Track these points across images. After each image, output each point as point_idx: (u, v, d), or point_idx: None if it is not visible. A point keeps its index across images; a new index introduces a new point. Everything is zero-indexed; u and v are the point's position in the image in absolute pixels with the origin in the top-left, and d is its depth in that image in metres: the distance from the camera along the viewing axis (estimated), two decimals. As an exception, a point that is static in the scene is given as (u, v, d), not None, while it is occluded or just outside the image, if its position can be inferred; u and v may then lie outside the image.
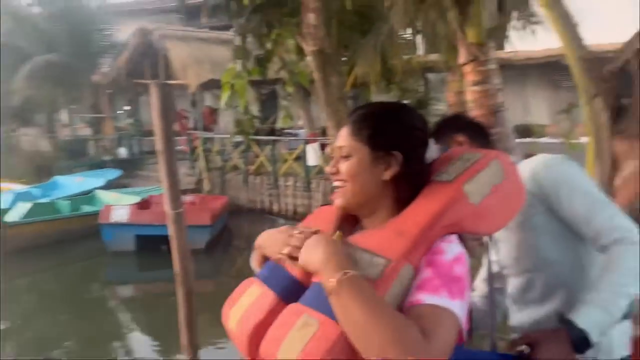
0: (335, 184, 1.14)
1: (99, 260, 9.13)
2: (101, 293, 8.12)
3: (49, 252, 9.05)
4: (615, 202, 1.96)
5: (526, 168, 1.44)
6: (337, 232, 1.13)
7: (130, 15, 20.78)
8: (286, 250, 1.11)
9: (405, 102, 11.36)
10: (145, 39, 13.24)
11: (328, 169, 1.17)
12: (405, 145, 1.10)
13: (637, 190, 1.81)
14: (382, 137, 1.10)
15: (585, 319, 1.20)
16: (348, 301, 0.91)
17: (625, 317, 1.26)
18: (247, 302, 1.15)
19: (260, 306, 1.11)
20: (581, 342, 1.18)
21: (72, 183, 11.93)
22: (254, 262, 1.28)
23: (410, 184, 1.10)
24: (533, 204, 1.40)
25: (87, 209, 9.92)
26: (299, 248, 1.08)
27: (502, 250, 1.54)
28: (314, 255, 1.01)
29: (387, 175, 1.10)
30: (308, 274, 1.09)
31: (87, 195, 10.68)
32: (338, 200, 1.14)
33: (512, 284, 1.55)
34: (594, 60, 1.92)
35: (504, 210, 1.11)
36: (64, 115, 21.99)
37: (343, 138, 1.14)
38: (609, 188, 1.96)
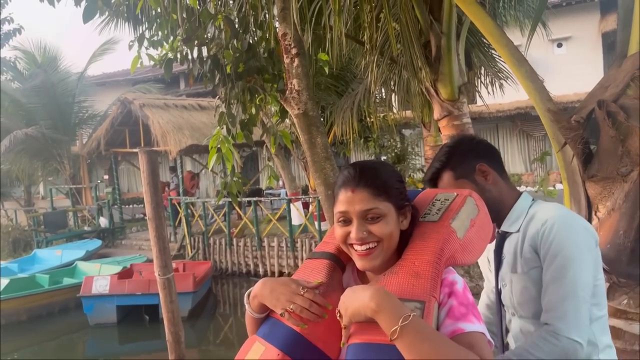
0: (363, 247, 1.15)
1: (80, 334, 8.84)
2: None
3: (28, 328, 8.75)
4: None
5: (541, 220, 1.44)
6: (317, 281, 1.18)
7: (110, 86, 21.16)
8: (291, 308, 1.14)
9: (383, 158, 11.63)
10: (125, 109, 13.41)
11: (356, 236, 1.14)
12: (407, 195, 1.22)
13: (613, 230, 1.92)
14: (399, 192, 1.19)
15: None
16: (415, 342, 0.98)
17: None
18: None
19: None
20: None
21: (52, 256, 11.68)
22: (248, 313, 1.25)
23: (409, 227, 1.20)
24: (534, 258, 1.44)
25: (68, 281, 9.68)
26: (304, 308, 1.13)
27: (506, 291, 1.57)
28: (360, 306, 1.03)
29: (405, 224, 1.20)
30: (311, 329, 1.13)
31: (69, 268, 10.45)
32: (372, 263, 1.15)
33: (516, 324, 1.58)
34: (562, 111, 2.07)
35: (481, 240, 1.22)
36: (41, 188, 21.81)
37: (367, 201, 1.13)
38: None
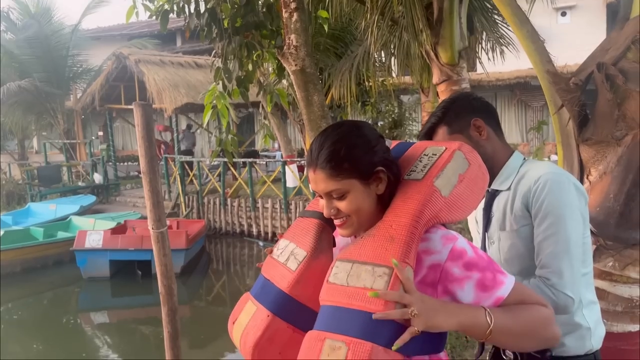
0: (337, 220, 1.17)
1: (73, 287, 8.96)
2: (75, 321, 7.94)
3: (22, 279, 8.86)
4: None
5: (533, 178, 1.45)
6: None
7: (105, 41, 20.76)
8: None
9: (380, 123, 11.57)
10: (120, 64, 13.21)
11: (326, 213, 1.17)
12: (380, 157, 1.15)
13: (604, 193, 1.94)
14: (363, 163, 1.12)
15: None
16: (504, 337, 1.08)
17: None
18: (245, 320, 1.22)
19: (256, 324, 1.18)
20: None
21: (46, 210, 11.72)
22: None
23: (390, 186, 1.17)
24: (525, 216, 1.46)
25: (62, 235, 9.75)
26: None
27: (493, 248, 1.59)
28: (442, 324, 1.03)
29: (381, 189, 1.15)
30: (297, 287, 1.17)
31: (63, 222, 10.50)
32: (346, 232, 1.18)
33: None
34: (560, 74, 2.06)
35: (473, 194, 1.18)
36: (35, 142, 21.67)
37: (326, 182, 1.13)
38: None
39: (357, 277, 1.04)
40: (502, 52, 6.85)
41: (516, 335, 1.08)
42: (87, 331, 7.58)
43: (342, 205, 1.13)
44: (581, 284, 1.43)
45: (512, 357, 1.59)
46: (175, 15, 3.99)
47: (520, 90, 16.08)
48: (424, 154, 1.20)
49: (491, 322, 1.03)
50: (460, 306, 1.05)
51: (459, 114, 1.53)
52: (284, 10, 3.00)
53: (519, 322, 1.08)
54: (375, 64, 8.76)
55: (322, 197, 1.17)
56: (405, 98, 14.96)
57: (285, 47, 2.99)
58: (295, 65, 2.93)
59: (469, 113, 1.53)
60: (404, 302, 1.00)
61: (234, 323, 1.25)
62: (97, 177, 14.50)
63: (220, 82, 3.89)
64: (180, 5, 3.88)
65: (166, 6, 3.88)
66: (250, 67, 3.96)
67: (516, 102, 16.69)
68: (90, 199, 13.04)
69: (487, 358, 1.65)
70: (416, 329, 0.99)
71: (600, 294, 1.97)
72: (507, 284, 1.09)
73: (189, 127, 15.35)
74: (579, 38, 14.62)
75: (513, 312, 1.08)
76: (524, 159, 1.56)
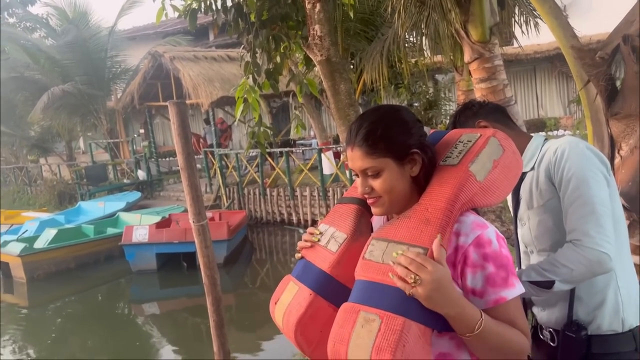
0: (370, 199, 1.23)
1: (124, 280, 9.34)
2: (128, 312, 8.30)
3: (77, 275, 9.29)
4: (616, 180, 2.04)
5: (552, 151, 1.49)
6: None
7: (140, 40, 21.21)
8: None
9: (415, 104, 11.43)
10: (156, 62, 13.51)
11: (360, 191, 1.23)
12: (416, 140, 1.21)
13: (635, 167, 1.89)
14: (398, 143, 1.18)
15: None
16: (481, 342, 1.09)
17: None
18: (287, 299, 1.28)
19: (298, 302, 1.24)
20: None
21: (95, 208, 12.21)
22: None
23: (426, 170, 1.22)
24: (550, 189, 1.49)
25: (112, 231, 10.15)
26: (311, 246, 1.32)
27: (524, 229, 1.62)
28: (439, 304, 1.06)
29: (415, 171, 1.21)
30: (337, 267, 1.23)
31: (112, 218, 10.93)
32: (378, 210, 1.24)
33: (533, 260, 1.63)
34: (586, 48, 2.01)
35: (507, 179, 1.22)
36: (82, 143, 22.50)
37: (362, 160, 1.19)
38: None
39: (391, 255, 1.10)
40: (536, 24, 6.63)
41: (491, 348, 1.10)
42: (140, 321, 7.90)
43: (376, 183, 1.19)
44: (615, 243, 1.41)
45: (548, 336, 1.61)
46: (203, 13, 4.08)
47: (561, 61, 15.48)
48: (459, 141, 1.25)
49: (479, 327, 1.06)
50: (465, 303, 1.08)
51: (464, 122, 1.63)
52: (306, 2, 3.02)
53: (501, 338, 1.10)
54: (406, 45, 8.63)
55: (358, 176, 1.23)
56: (440, 77, 14.69)
57: (310, 38, 3.02)
58: (321, 55, 2.96)
59: (471, 118, 1.63)
60: (415, 270, 1.05)
61: (275, 303, 1.31)
62: (141, 174, 14.95)
63: (250, 76, 3.96)
64: (208, 3, 3.96)
65: (194, 5, 3.96)
66: (278, 59, 4.01)
67: (556, 74, 16.10)
68: (135, 195, 13.48)
69: None
70: (410, 292, 1.05)
71: (636, 270, 1.94)
72: (515, 289, 1.12)
73: (206, 121, 15.38)
74: (621, 3, 13.93)
75: (500, 327, 1.10)
76: (545, 139, 1.58)
